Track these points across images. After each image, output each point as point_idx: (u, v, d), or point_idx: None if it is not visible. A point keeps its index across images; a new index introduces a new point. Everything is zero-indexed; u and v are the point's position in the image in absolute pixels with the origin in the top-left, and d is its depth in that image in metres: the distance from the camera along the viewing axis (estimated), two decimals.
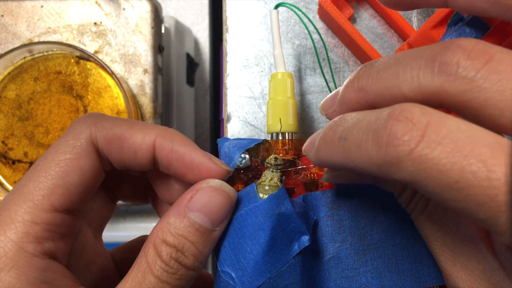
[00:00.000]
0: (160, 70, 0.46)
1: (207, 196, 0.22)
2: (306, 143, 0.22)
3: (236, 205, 0.24)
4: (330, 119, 0.22)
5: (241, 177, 0.26)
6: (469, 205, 0.15)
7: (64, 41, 0.44)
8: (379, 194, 0.25)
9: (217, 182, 0.23)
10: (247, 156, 0.26)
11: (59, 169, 0.22)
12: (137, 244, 0.31)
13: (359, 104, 0.20)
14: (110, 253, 0.28)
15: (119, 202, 0.29)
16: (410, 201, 0.22)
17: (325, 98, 0.23)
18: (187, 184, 0.24)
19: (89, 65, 0.43)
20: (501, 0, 0.18)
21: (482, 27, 0.24)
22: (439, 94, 0.17)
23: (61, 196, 0.21)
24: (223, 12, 0.36)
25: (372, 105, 0.19)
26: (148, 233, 0.24)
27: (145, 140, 0.23)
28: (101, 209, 0.27)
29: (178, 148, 0.23)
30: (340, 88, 0.21)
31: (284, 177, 0.25)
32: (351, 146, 0.18)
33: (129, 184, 0.28)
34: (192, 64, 0.61)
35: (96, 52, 0.44)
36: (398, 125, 0.16)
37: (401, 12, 0.33)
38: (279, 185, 0.24)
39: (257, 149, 0.26)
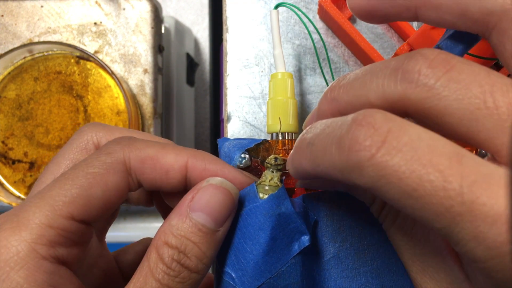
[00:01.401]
0: (160, 70, 0.46)
1: (208, 195, 0.22)
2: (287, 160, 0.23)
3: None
4: None
5: None
6: (426, 213, 0.15)
7: (64, 41, 0.44)
8: None
9: (217, 180, 0.23)
10: (247, 156, 0.26)
11: (85, 180, 0.22)
12: (140, 247, 0.31)
13: (332, 115, 0.20)
14: (113, 256, 0.28)
15: None
16: (381, 212, 0.22)
17: (306, 118, 0.24)
18: None
19: (89, 65, 0.43)
20: (467, 14, 0.19)
21: None
22: (402, 101, 0.17)
23: (81, 206, 0.21)
24: (223, 12, 0.36)
25: (343, 115, 0.20)
26: (148, 233, 0.23)
27: (178, 161, 0.23)
28: None
29: (211, 167, 0.24)
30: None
31: (284, 177, 0.25)
32: (317, 151, 0.18)
33: None
34: (192, 64, 0.61)
35: (96, 52, 0.44)
36: (360, 130, 0.16)
37: None
38: (279, 185, 0.25)
39: (257, 149, 0.26)
